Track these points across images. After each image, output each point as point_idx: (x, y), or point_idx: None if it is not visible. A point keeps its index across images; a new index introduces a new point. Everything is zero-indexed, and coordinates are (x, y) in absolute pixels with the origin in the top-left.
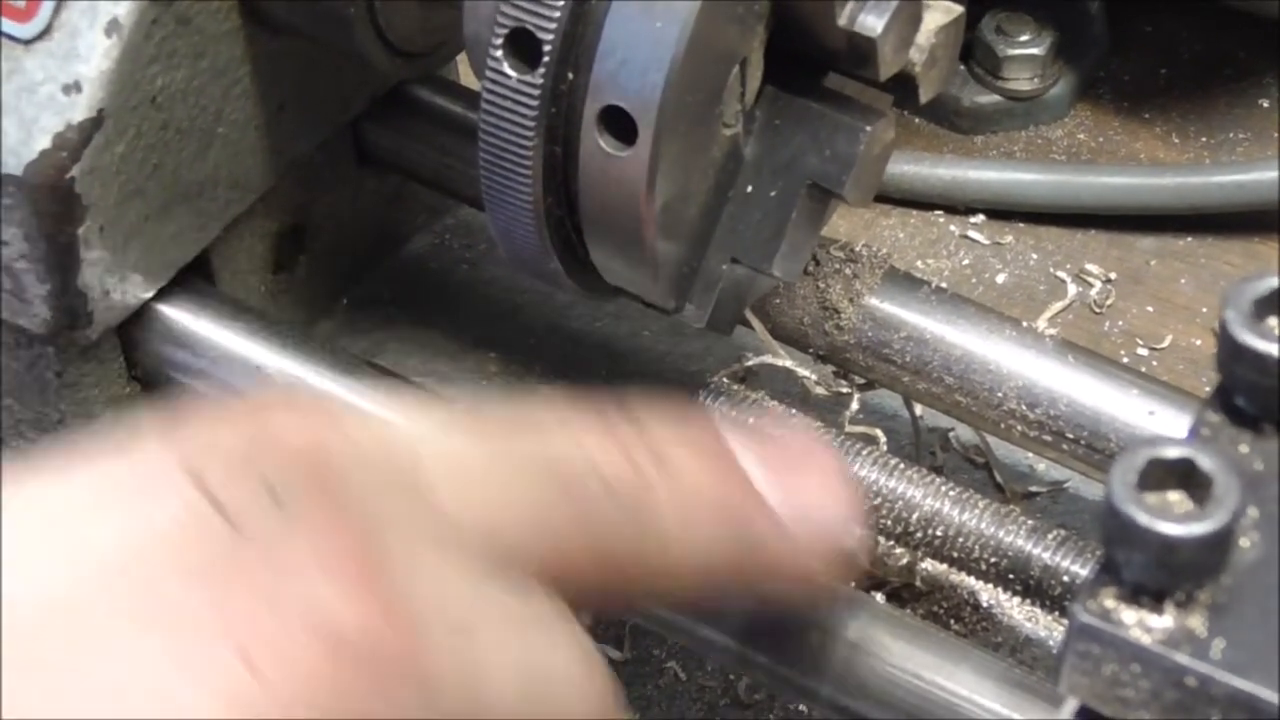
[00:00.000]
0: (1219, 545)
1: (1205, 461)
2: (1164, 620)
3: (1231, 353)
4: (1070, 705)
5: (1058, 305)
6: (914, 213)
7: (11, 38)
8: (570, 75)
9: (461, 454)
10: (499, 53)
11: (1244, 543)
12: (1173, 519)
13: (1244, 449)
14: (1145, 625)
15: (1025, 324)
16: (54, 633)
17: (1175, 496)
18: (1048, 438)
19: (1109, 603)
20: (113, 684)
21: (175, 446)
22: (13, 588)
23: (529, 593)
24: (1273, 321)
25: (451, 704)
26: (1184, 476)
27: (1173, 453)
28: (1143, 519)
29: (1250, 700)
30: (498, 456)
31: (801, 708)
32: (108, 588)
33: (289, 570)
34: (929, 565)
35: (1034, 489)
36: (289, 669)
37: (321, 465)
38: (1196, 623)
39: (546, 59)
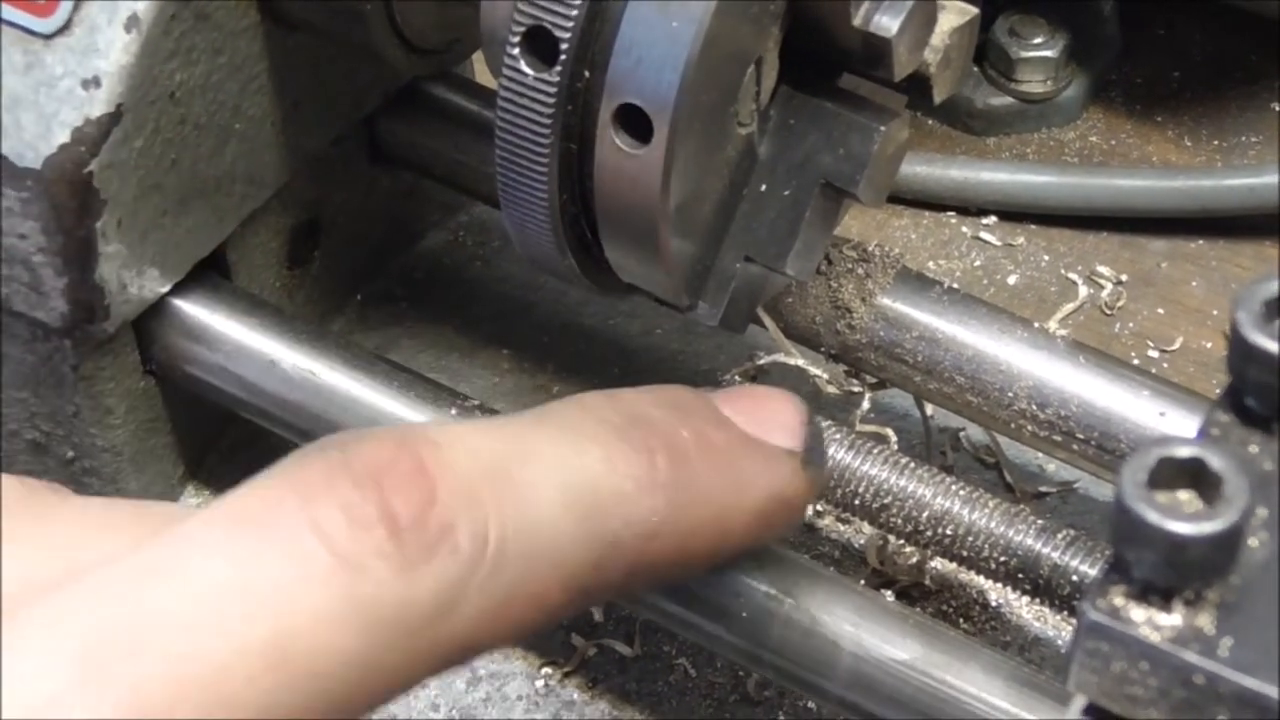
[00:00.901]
0: (1228, 544)
1: (1215, 461)
2: (1173, 618)
3: (1242, 353)
4: (1078, 703)
5: (1069, 306)
6: (926, 214)
7: (32, 32)
8: (586, 73)
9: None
10: (516, 50)
11: (1253, 542)
12: (1182, 518)
13: (1254, 449)
14: (1154, 623)
15: (1036, 325)
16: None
17: (1185, 496)
18: (1058, 438)
19: (1118, 601)
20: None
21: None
22: None
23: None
24: None
25: (504, 541)
26: (1194, 476)
27: (1183, 452)
28: (1153, 517)
29: (1257, 698)
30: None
31: (811, 705)
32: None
33: (358, 485)
34: (938, 564)
35: (1044, 489)
36: (359, 551)
37: None
38: (1205, 621)
39: (564, 57)
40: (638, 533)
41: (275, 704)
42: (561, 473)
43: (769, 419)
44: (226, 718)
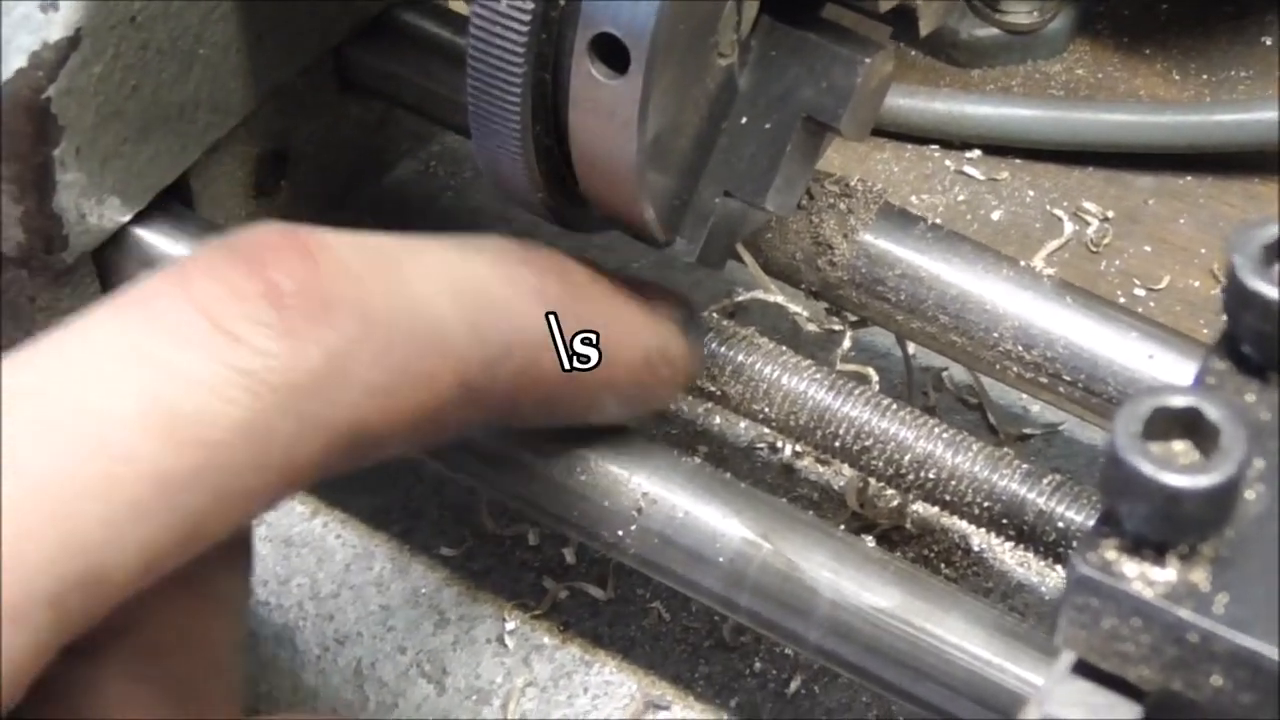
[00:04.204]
0: (1224, 498)
1: (1212, 411)
2: (1166, 573)
3: (1239, 299)
4: (1066, 659)
5: (1054, 243)
6: (909, 147)
7: None
8: (562, 1)
9: None
10: None
11: (1249, 494)
12: (1178, 470)
13: (1250, 398)
14: (1147, 578)
15: (1023, 263)
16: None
17: (1180, 446)
18: (1044, 379)
19: (1110, 554)
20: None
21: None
22: None
23: None
24: None
25: (390, 320)
26: (1190, 426)
27: (1179, 401)
28: (1147, 469)
29: (1253, 657)
30: None
31: (787, 651)
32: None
33: (239, 263)
34: (920, 508)
35: (1028, 431)
36: (236, 320)
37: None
38: (1199, 577)
39: None
40: (527, 341)
41: (168, 471)
42: (449, 270)
43: (653, 292)
44: (127, 488)
